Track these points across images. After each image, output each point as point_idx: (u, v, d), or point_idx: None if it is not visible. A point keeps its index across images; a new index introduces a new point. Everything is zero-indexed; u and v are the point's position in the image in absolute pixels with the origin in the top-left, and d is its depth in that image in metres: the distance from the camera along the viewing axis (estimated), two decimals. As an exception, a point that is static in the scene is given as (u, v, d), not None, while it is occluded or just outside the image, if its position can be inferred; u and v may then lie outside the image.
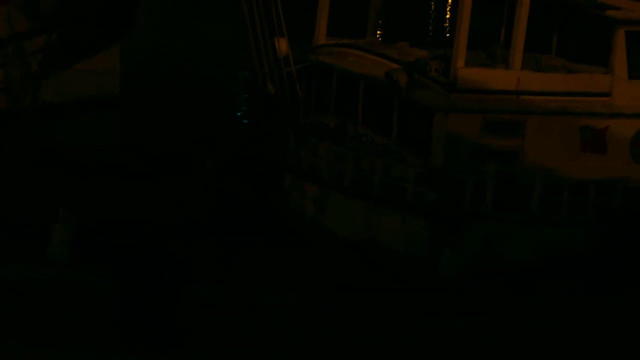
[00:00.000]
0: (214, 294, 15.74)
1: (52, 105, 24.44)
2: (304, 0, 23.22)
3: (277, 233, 18.39)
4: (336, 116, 20.48)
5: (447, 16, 42.68)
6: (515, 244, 17.84)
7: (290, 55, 19.93)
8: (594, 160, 19.09)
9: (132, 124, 26.48)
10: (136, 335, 13.23)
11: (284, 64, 19.89)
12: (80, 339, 13.53)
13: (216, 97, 30.69)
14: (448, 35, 18.51)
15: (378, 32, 23.72)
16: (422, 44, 21.05)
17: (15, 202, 18.76)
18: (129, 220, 18.08)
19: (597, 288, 17.87)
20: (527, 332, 15.60)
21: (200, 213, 19.07)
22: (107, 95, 26.51)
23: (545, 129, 18.70)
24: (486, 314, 16.14)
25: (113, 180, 20.22)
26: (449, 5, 44.68)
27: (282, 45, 19.99)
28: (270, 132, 20.14)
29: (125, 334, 13.29)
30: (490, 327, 15.56)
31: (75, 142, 23.35)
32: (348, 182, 18.53)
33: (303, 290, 16.52)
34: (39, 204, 18.20)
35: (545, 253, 18.00)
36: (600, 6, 19.23)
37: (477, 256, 17.57)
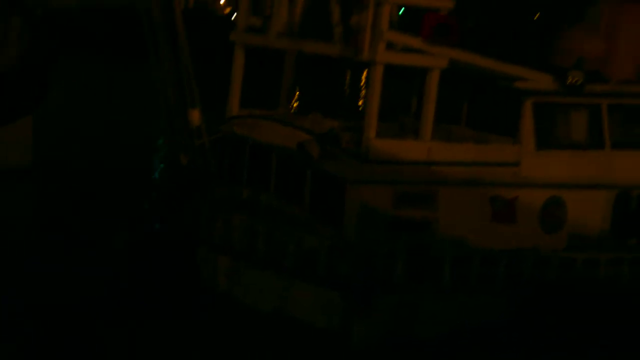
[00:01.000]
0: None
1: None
2: (217, 72, 23.29)
3: (188, 307, 18.14)
4: (249, 187, 20.46)
5: (361, 85, 43.25)
6: (427, 314, 17.82)
7: (203, 126, 19.89)
8: (504, 230, 19.27)
9: (46, 194, 26.16)
10: None
11: (197, 135, 19.83)
12: None
13: (133, 167, 30.51)
14: (361, 106, 18.61)
15: (292, 102, 23.86)
16: (335, 114, 21.19)
17: None
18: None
19: (512, 357, 17.91)
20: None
21: (112, 288, 18.76)
22: (20, 166, 26.19)
23: (456, 199, 18.84)
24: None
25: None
26: (362, 77, 45.37)
27: (195, 116, 19.96)
28: (184, 204, 19.99)
29: None
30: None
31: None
32: (261, 254, 18.41)
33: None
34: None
35: (458, 324, 18.01)
36: (508, 78, 19.54)
37: (389, 328, 17.51)
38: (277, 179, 19.88)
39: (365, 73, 41.87)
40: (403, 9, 19.94)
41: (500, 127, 20.13)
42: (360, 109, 19.20)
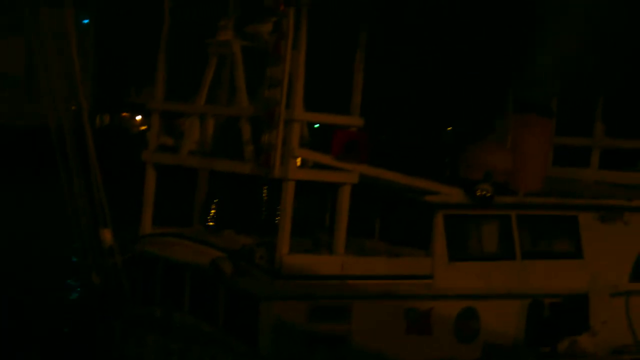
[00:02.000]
0: None
1: None
2: (128, 190, 23.25)
3: None
4: (163, 306, 20.26)
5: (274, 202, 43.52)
6: None
7: (116, 245, 19.75)
8: (420, 342, 19.31)
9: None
10: None
11: (109, 255, 19.66)
12: None
13: (45, 286, 30.09)
14: (275, 222, 18.74)
15: (207, 220, 23.87)
16: (250, 231, 21.22)
17: None
18: None
19: None
20: None
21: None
22: None
23: (371, 313, 18.87)
24: None
25: None
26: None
27: (107, 235, 19.82)
28: (95, 326, 19.70)
29: None
30: None
31: None
32: (175, 374, 18.16)
33: None
34: None
35: None
36: (419, 191, 19.83)
37: None
38: (191, 297, 19.75)
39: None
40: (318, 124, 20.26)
41: (413, 240, 20.34)
42: (274, 224, 19.28)
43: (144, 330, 19.04)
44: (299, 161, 18.66)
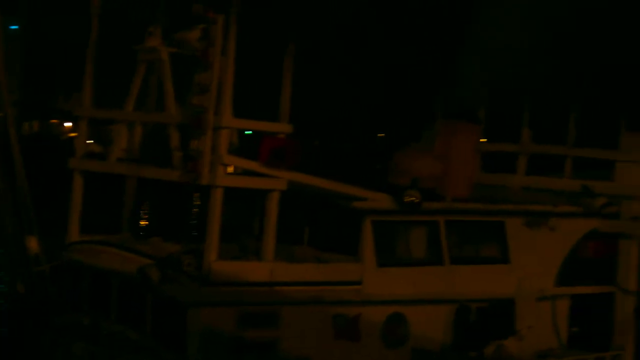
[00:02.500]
0: None
1: None
2: (56, 197, 23.02)
3: None
4: (90, 314, 20.09)
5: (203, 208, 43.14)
6: None
7: (41, 253, 19.53)
8: (348, 347, 19.39)
9: None
10: None
11: (35, 263, 19.43)
12: None
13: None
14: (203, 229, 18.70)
15: (135, 227, 23.71)
16: (178, 238, 21.13)
17: None
18: None
19: None
20: None
21: None
22: None
23: (300, 319, 18.92)
24: None
25: None
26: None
27: (33, 243, 19.59)
28: (22, 335, 19.46)
29: None
30: None
31: None
32: (103, 382, 18.03)
33: None
34: None
35: None
36: (348, 198, 19.92)
37: None
38: (119, 305, 19.61)
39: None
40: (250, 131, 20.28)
41: (342, 246, 20.42)
42: (202, 231, 19.29)
43: (71, 338, 18.86)
44: (230, 169, 18.68)
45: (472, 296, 20.76)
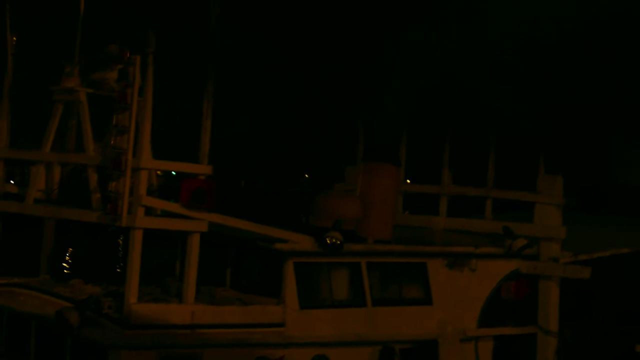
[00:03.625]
0: None
1: None
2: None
3: None
4: (8, 358, 19.68)
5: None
6: None
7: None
8: None
9: None
10: None
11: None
12: None
13: None
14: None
15: (59, 268, 23.39)
16: (99, 280, 20.85)
17: None
18: None
19: None
20: None
21: None
22: None
23: None
24: None
25: None
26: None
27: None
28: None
29: None
30: None
31: None
32: None
33: None
34: None
35: None
36: (269, 239, 19.85)
37: None
38: (37, 349, 19.22)
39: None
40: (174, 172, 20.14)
41: (264, 288, 20.32)
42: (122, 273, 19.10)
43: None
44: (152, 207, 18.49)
45: (396, 337, 20.77)
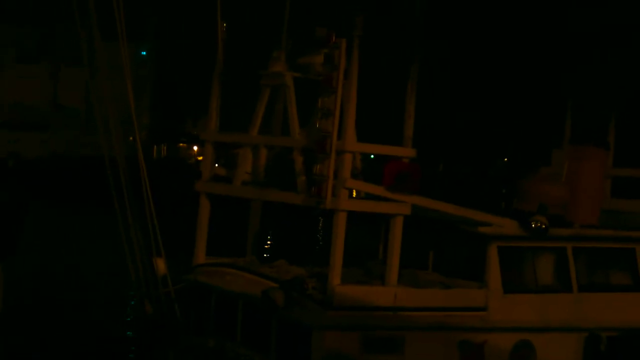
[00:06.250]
0: None
1: None
2: (182, 221, 23.38)
3: None
4: (215, 336, 20.27)
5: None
6: None
7: (168, 275, 19.82)
8: None
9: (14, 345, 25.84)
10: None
11: (163, 284, 19.73)
12: None
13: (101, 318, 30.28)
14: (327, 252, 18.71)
15: (261, 250, 23.93)
16: (302, 262, 21.19)
17: None
18: None
19: None
20: None
21: None
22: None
23: (424, 345, 18.72)
24: None
25: None
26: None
27: (160, 265, 19.89)
28: (149, 355, 19.76)
29: None
30: None
31: None
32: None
33: None
34: None
35: None
36: (472, 223, 19.68)
37: None
38: (243, 328, 19.73)
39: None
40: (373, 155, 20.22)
41: (467, 272, 20.17)
42: (326, 255, 19.31)
43: (196, 360, 19.08)
44: (354, 192, 18.65)
45: (603, 324, 20.21)
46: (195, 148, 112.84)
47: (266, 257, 22.48)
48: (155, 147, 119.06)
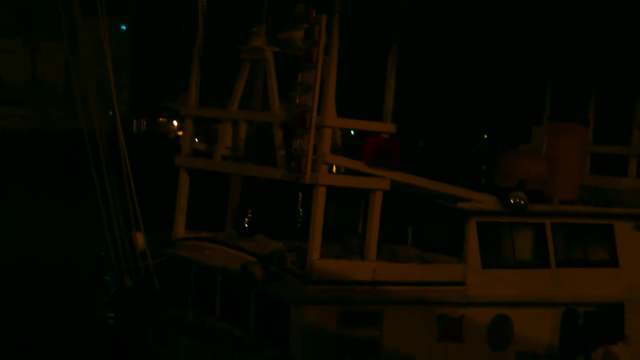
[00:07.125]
0: None
1: None
2: (161, 195, 23.36)
3: None
4: (195, 310, 20.32)
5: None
6: None
7: (148, 249, 19.84)
8: (452, 349, 19.20)
9: None
10: None
11: (142, 258, 19.75)
12: None
13: (79, 294, 30.24)
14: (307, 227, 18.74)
15: (240, 225, 23.92)
16: (282, 236, 21.22)
17: None
18: None
19: None
20: None
21: None
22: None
23: (402, 319, 18.80)
24: None
25: None
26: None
27: (139, 239, 19.91)
28: (128, 328, 19.79)
29: None
30: None
31: None
32: (207, 378, 18.20)
33: None
34: None
35: None
36: (452, 198, 19.74)
37: None
38: (222, 301, 19.78)
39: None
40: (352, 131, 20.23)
41: (445, 246, 20.25)
42: (304, 229, 19.38)
43: (176, 333, 19.09)
44: (334, 167, 18.67)
45: (580, 299, 20.36)
46: (175, 123, 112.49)
47: (246, 231, 22.47)
48: (135, 121, 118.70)
